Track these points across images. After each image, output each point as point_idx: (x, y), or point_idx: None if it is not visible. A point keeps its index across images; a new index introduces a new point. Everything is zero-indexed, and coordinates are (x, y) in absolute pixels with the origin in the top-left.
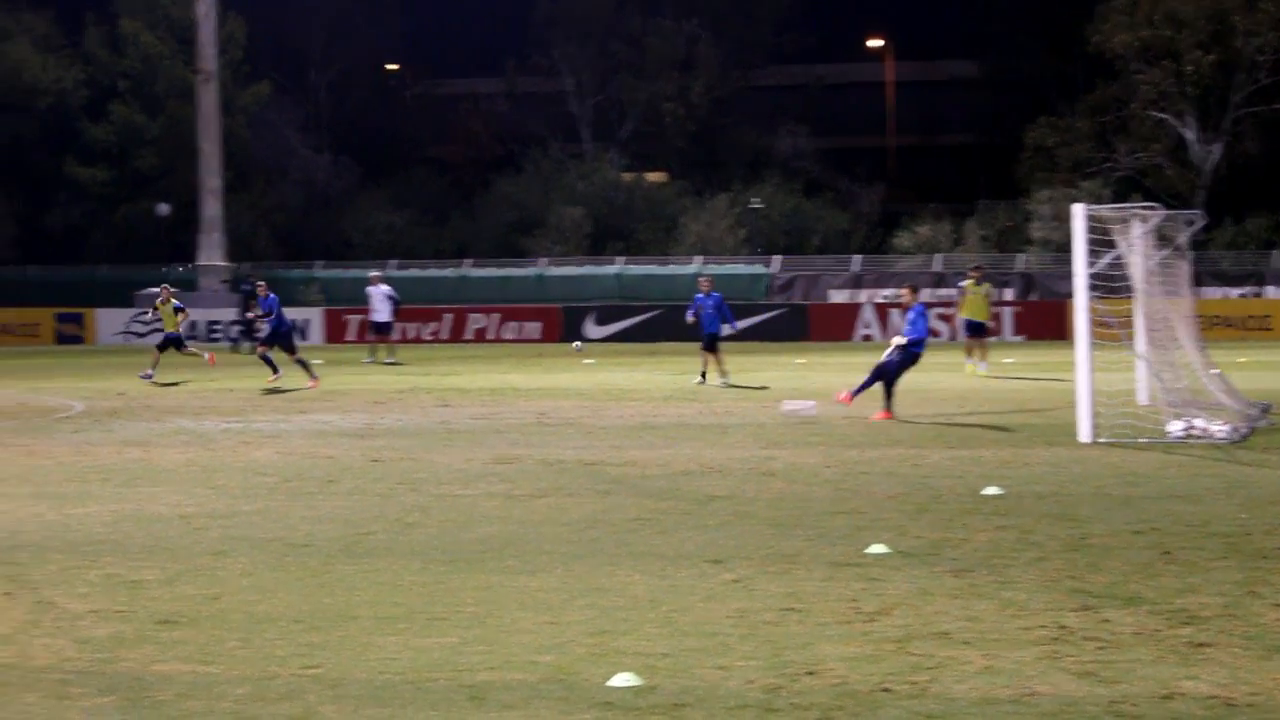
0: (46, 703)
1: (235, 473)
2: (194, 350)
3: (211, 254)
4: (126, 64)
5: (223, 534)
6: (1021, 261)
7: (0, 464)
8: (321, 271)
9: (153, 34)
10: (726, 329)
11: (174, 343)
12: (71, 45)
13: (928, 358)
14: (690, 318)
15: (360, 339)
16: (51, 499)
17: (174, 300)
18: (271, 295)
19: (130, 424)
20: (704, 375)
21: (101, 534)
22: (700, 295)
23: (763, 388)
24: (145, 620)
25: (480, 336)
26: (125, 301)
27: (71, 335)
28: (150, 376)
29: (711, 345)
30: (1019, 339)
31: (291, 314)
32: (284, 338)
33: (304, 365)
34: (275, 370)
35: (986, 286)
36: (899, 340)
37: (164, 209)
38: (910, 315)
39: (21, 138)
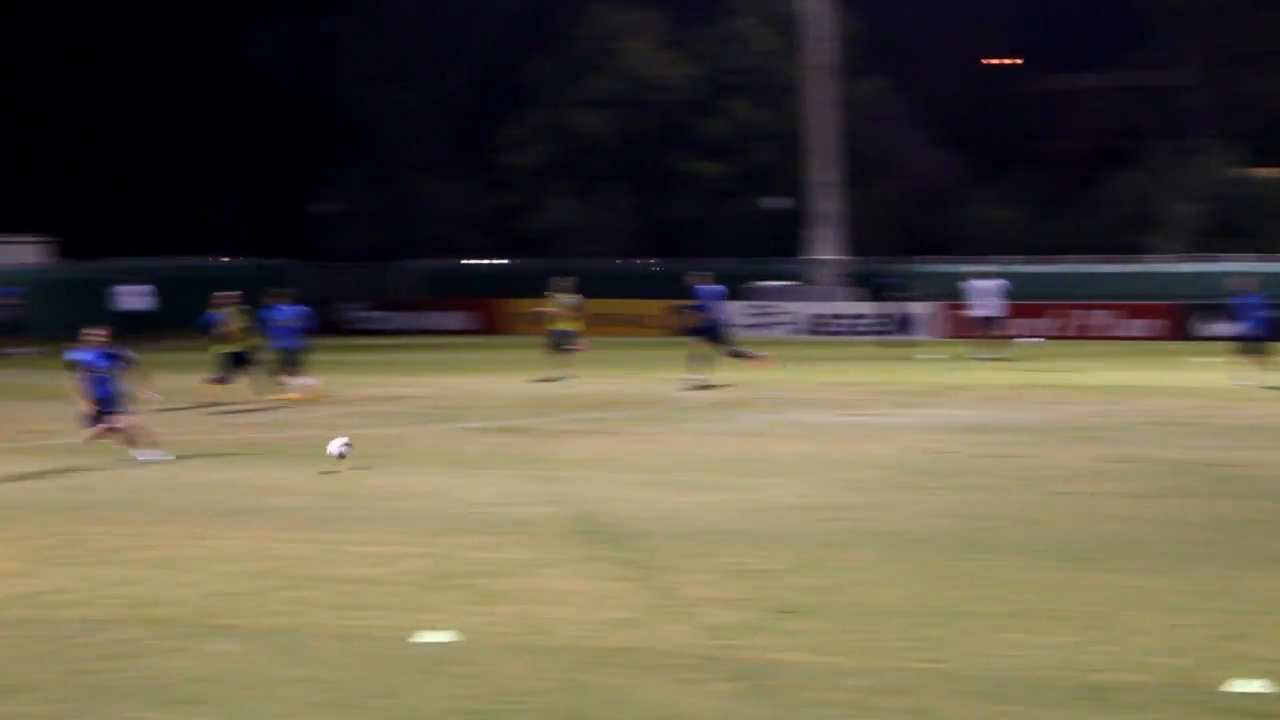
0: (669, 687)
1: (850, 465)
2: (573, 348)
3: (823, 248)
4: (739, 59)
5: (839, 526)
6: None
7: (624, 453)
8: (932, 266)
9: (766, 30)
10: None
11: (560, 340)
12: (685, 42)
13: None
14: (1238, 326)
15: (983, 334)
16: (673, 487)
17: (567, 296)
18: (705, 286)
19: (747, 415)
20: (1251, 377)
21: (721, 523)
22: (1242, 295)
23: None
24: (764, 609)
25: (1094, 333)
26: (740, 295)
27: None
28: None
29: (1255, 346)
30: None
31: (904, 308)
32: (711, 331)
33: (741, 355)
34: (749, 358)
35: None
36: None
37: (774, 203)
38: None
39: (640, 134)
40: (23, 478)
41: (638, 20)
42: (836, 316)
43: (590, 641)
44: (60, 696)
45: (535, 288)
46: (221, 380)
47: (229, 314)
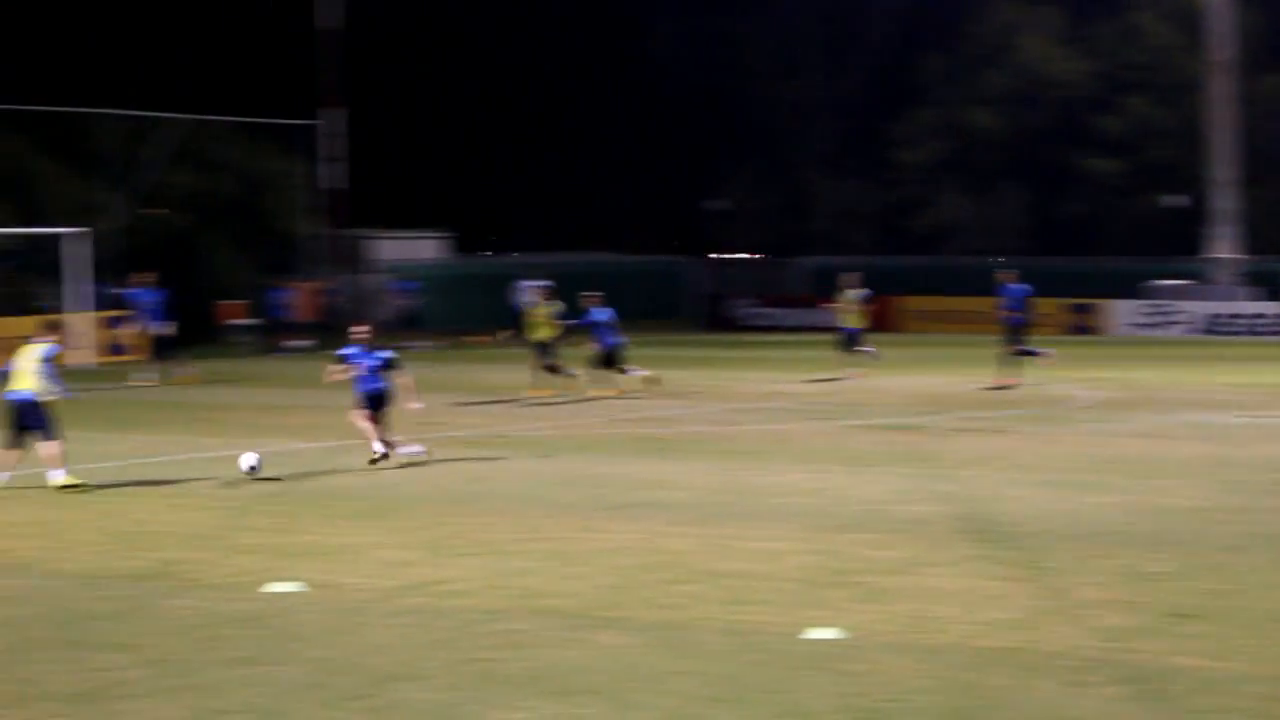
0: (1060, 689)
1: (1247, 467)
2: (866, 350)
3: (1222, 246)
4: (1137, 55)
5: (1238, 529)
6: None
7: (1014, 452)
8: None
9: (1164, 25)
10: None
11: (850, 339)
12: (1082, 38)
13: None
14: None
15: None
16: (1067, 487)
17: (855, 292)
18: (1016, 285)
19: (1142, 415)
20: None
21: (1115, 524)
22: None
23: None
24: (1157, 612)
25: None
26: (1136, 294)
27: (1083, 326)
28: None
29: None
30: None
31: None
32: (1018, 327)
33: (1028, 354)
34: (1034, 353)
35: None
36: None
37: (1173, 200)
38: None
39: (1034, 130)
40: (416, 468)
41: (1034, 16)
42: (1234, 316)
43: (978, 641)
44: (451, 684)
45: (927, 285)
46: (555, 371)
47: (535, 306)
